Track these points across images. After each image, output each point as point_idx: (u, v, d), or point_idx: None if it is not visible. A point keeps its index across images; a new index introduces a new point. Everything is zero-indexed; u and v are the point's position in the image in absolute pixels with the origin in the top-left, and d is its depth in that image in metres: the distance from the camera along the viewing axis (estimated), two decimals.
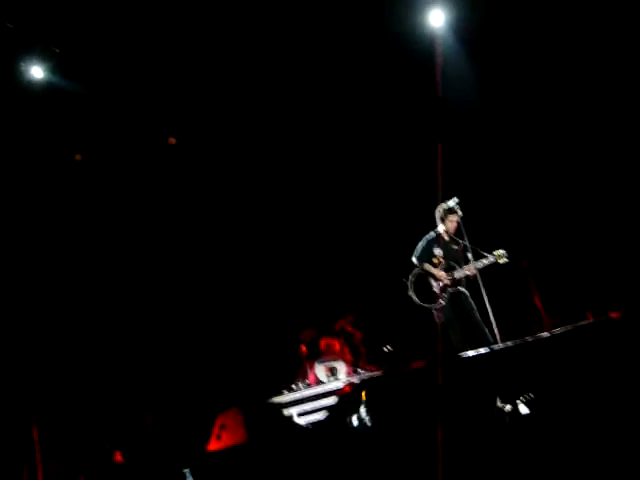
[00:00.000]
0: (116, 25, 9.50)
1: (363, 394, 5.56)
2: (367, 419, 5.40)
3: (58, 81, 9.88)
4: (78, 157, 11.09)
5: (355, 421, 5.47)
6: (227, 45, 10.13)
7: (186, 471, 6.09)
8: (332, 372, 9.87)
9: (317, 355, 10.13)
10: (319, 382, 9.82)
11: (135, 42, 9.83)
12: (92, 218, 11.19)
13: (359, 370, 10.10)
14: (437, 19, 9.99)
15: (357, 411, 5.48)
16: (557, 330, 5.89)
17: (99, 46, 9.73)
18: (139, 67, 10.21)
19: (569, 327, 5.77)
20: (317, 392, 9.43)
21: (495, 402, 5.00)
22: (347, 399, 5.84)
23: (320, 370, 9.91)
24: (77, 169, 11.10)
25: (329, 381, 9.78)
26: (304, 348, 10.31)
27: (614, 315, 5.91)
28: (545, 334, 6.04)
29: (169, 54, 10.10)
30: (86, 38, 9.58)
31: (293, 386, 10.02)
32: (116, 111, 10.63)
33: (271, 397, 9.58)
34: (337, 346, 10.30)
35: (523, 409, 4.85)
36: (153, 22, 9.62)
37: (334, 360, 9.99)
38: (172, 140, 11.58)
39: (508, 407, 4.92)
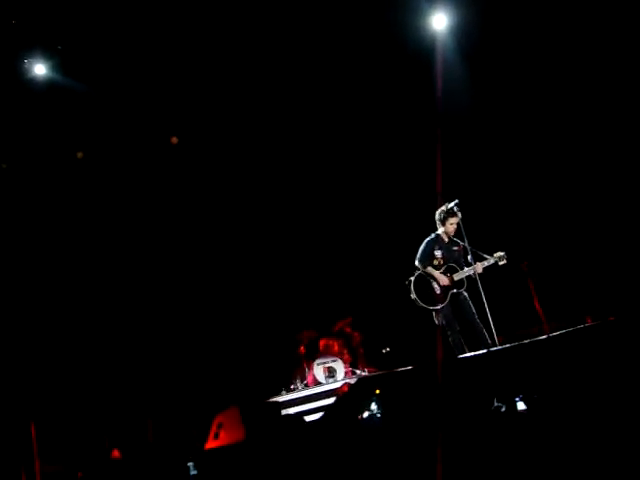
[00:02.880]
0: (119, 24, 9.53)
1: (377, 391, 5.56)
2: (378, 413, 5.42)
3: (61, 78, 9.90)
4: (80, 155, 11.11)
5: (366, 414, 5.48)
6: (229, 44, 10.16)
7: (190, 465, 6.09)
8: (330, 372, 9.88)
9: (315, 355, 10.15)
10: (317, 382, 9.83)
11: (138, 41, 9.86)
12: (93, 216, 11.20)
13: (357, 371, 10.13)
14: (440, 22, 10.12)
15: (369, 406, 5.49)
16: (555, 333, 5.90)
17: (102, 44, 9.76)
18: (142, 66, 10.24)
19: (567, 330, 5.76)
20: (315, 392, 9.46)
21: (492, 402, 5.01)
22: (357, 395, 5.83)
23: (318, 370, 9.90)
24: (79, 166, 11.13)
25: (327, 382, 9.78)
26: (303, 348, 10.32)
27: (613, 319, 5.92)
28: (543, 336, 6.05)
29: (172, 52, 10.13)
30: (89, 36, 9.61)
31: (291, 386, 10.05)
32: (118, 109, 10.66)
33: (269, 397, 9.60)
34: (336, 347, 10.31)
35: (521, 405, 4.86)
36: (156, 21, 9.66)
37: (332, 361, 9.99)
38: (174, 139, 11.60)
39: (504, 408, 4.93)
